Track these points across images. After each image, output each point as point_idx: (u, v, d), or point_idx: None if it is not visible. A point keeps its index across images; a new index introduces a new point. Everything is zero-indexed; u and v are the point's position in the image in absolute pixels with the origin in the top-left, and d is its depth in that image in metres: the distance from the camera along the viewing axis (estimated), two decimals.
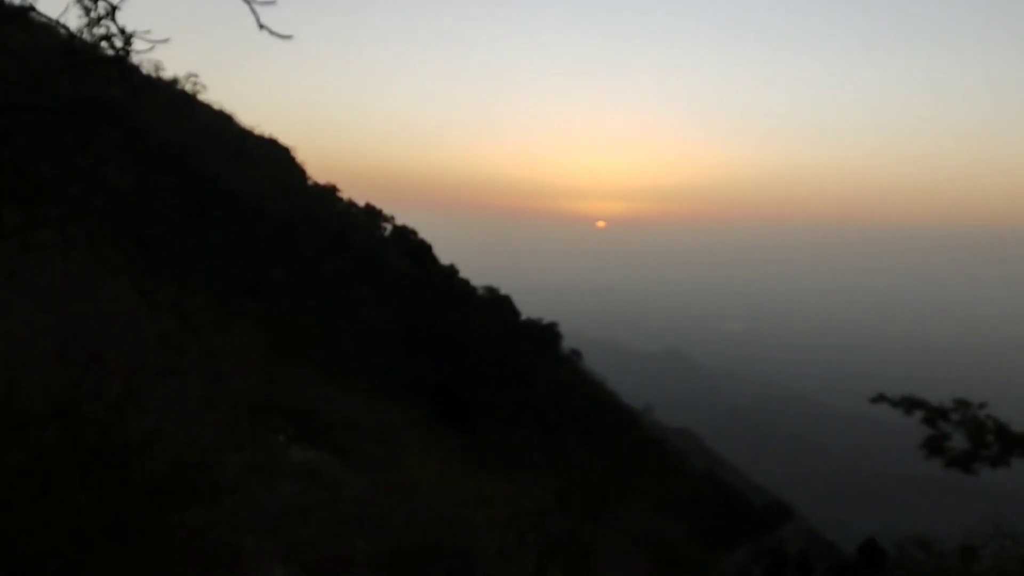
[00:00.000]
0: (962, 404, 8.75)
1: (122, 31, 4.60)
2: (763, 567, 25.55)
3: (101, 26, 4.63)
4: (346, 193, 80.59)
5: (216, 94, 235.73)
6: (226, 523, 4.61)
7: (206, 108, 73.93)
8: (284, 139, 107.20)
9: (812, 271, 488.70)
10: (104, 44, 4.67)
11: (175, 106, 60.30)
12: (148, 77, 60.93)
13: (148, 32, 4.58)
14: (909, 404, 8.94)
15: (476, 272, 67.23)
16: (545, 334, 58.92)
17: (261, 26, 4.13)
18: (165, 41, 4.57)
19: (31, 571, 3.60)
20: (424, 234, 72.82)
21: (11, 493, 3.56)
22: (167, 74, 67.52)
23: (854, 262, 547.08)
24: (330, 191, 79.84)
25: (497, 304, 59.52)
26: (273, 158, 77.57)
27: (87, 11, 4.61)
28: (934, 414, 8.26)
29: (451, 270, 64.67)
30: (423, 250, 68.89)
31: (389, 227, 75.09)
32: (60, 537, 3.64)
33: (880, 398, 9.81)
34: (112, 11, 4.57)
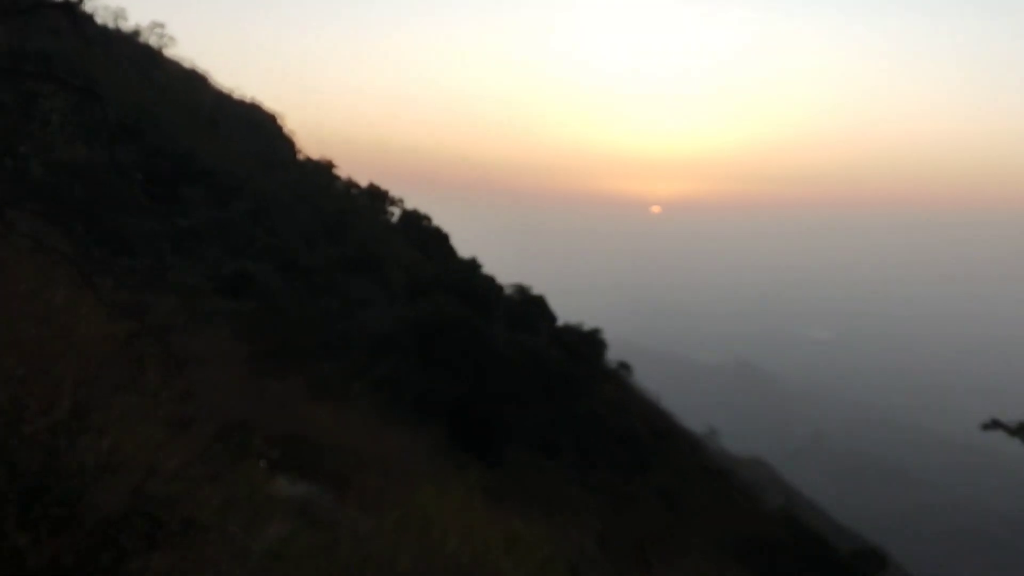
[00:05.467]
0: None
1: None
2: None
3: None
4: (345, 171, 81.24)
5: (187, 49, 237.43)
6: (199, 570, 4.60)
7: (175, 65, 74.66)
8: (270, 104, 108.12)
9: (923, 268, 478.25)
10: None
11: (138, 63, 60.94)
12: (105, 27, 61.65)
13: None
14: None
15: (504, 268, 67.25)
16: (587, 342, 58.81)
17: None
18: None
19: None
20: (440, 221, 73.21)
21: None
22: (128, 24, 68.32)
23: (984, 256, 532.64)
24: (325, 167, 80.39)
25: (528, 306, 59.53)
26: (256, 126, 78.26)
27: None
28: None
29: (473, 264, 64.78)
30: (438, 240, 69.13)
31: (397, 212, 75.50)
32: None
33: (994, 424, 9.64)
34: None
